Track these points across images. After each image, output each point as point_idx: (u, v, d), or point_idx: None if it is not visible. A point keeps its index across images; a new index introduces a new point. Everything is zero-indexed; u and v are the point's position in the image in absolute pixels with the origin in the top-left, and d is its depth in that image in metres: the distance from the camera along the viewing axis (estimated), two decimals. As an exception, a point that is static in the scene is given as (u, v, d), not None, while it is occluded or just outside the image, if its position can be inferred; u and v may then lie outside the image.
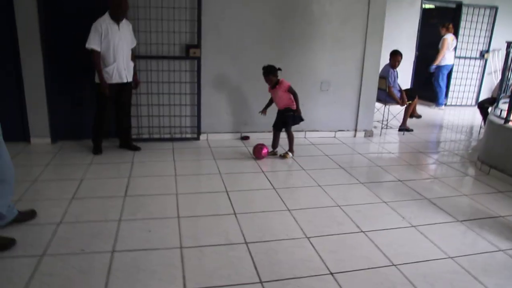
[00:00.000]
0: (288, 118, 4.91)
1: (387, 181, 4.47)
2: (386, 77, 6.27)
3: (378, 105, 6.57)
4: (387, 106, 6.59)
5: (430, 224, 3.44)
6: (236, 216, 3.45)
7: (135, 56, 5.05)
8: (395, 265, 2.80)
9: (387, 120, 6.70)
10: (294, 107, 4.85)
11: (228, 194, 3.91)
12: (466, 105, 9.47)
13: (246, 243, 3.03)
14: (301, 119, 4.99)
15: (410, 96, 6.65)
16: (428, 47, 9.31)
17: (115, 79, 4.74)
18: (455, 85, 9.32)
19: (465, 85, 9.40)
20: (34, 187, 3.94)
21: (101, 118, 4.92)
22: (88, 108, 5.24)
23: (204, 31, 5.31)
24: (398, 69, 6.48)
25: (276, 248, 2.97)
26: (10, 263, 2.67)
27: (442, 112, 8.81)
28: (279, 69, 4.78)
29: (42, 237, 2.99)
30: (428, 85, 9.49)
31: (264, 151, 4.85)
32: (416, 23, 8.98)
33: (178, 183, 4.16)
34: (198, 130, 5.66)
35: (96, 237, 3.04)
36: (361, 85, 5.96)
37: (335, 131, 6.13)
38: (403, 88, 6.91)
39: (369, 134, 6.22)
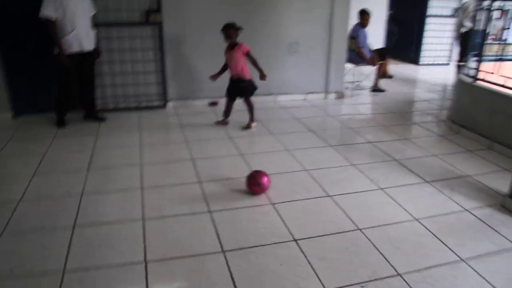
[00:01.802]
0: (244, 89, 4.65)
1: (357, 143, 4.43)
2: (355, 37, 6.14)
3: (350, 66, 6.48)
4: (358, 67, 6.49)
5: (398, 186, 3.41)
6: (201, 185, 3.37)
7: (95, 24, 4.77)
8: (360, 229, 2.76)
9: (358, 81, 6.63)
10: (247, 76, 4.60)
11: (194, 162, 3.81)
12: (439, 64, 9.43)
13: (210, 212, 2.96)
14: (255, 88, 4.71)
15: (381, 56, 6.56)
16: (400, 4, 9.22)
17: (75, 48, 4.48)
18: (428, 44, 9.25)
19: (437, 43, 9.33)
20: (-8, 162, 3.77)
21: (64, 91, 4.68)
22: (51, 80, 4.97)
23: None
24: (370, 28, 6.36)
25: (240, 216, 2.91)
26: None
27: (416, 71, 8.78)
28: (240, 27, 4.51)
29: (1, 216, 2.87)
30: (402, 44, 9.48)
31: (265, 179, 3.22)
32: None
33: (143, 153, 4.04)
34: (164, 98, 5.49)
35: (58, 212, 2.94)
36: (330, 45, 5.82)
37: (306, 94, 6.03)
38: (375, 47, 6.82)
39: (340, 95, 6.14)
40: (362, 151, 4.19)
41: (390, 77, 7.39)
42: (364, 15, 6.20)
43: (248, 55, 4.52)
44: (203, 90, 5.59)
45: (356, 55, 6.26)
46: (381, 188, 3.36)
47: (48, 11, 4.23)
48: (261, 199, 3.14)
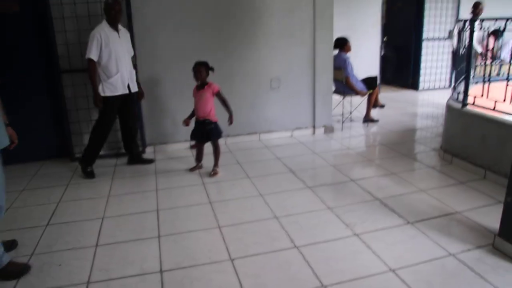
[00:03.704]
0: (211, 132, 4.38)
1: (337, 183, 4.07)
2: (342, 67, 5.89)
3: (338, 98, 6.22)
4: (347, 98, 6.20)
5: (376, 230, 3.06)
6: (159, 240, 3.09)
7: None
8: (324, 287, 2.43)
9: (350, 112, 6.34)
10: (214, 118, 4.36)
11: (158, 213, 3.54)
12: (439, 88, 9.08)
13: (161, 271, 2.67)
14: (221, 131, 4.45)
15: (370, 85, 6.27)
16: (395, 30, 9.09)
17: (120, 90, 4.40)
18: (425, 68, 8.96)
19: (436, 67, 9.03)
20: None
21: (102, 136, 4.55)
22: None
23: (137, 39, 4.91)
24: (364, 55, 6.12)
25: (193, 275, 2.61)
26: None
27: (415, 97, 8.47)
28: (212, 68, 4.33)
29: None
30: (400, 69, 9.32)
31: None
32: (379, 8, 8.62)
33: (109, 205, 3.79)
34: (142, 143, 5.27)
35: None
36: (314, 78, 5.55)
37: (292, 130, 5.74)
38: (367, 75, 6.56)
39: (329, 129, 5.83)
40: (342, 191, 3.85)
41: (382, 106, 7.08)
42: (346, 42, 6.00)
43: (218, 94, 4.30)
44: (180, 133, 5.36)
45: (344, 85, 5.99)
46: (356, 234, 3.02)
47: (92, 54, 4.17)
48: (221, 255, 2.83)
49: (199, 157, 4.60)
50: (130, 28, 4.84)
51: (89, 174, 4.55)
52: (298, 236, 3.03)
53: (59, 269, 2.77)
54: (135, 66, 4.70)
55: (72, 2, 4.71)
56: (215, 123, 4.36)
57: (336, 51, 6.04)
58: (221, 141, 4.63)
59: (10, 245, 3.05)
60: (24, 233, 3.29)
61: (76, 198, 4.03)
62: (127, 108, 4.61)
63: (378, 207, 3.45)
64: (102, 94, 4.34)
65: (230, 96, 4.86)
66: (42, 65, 4.93)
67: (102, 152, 5.14)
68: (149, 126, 5.27)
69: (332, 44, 5.59)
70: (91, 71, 4.26)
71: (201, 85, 4.30)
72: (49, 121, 5.13)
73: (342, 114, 6.21)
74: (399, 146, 5.13)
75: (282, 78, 5.49)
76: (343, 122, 6.16)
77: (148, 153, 5.30)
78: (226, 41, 5.23)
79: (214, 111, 4.34)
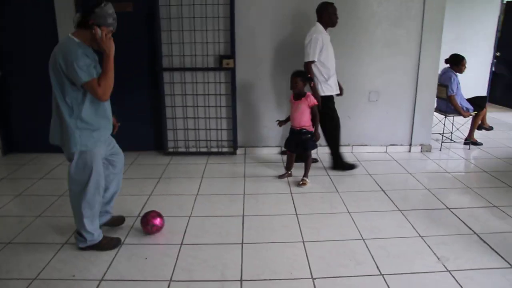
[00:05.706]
0: (308, 143, 4.34)
1: (432, 209, 3.80)
2: (447, 85, 5.51)
3: (439, 116, 5.86)
4: (450, 117, 5.80)
5: (471, 270, 2.80)
6: (242, 247, 3.12)
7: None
8: (408, 325, 2.29)
9: (451, 132, 5.92)
10: (311, 128, 4.32)
11: (243, 219, 3.58)
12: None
13: (241, 280, 2.69)
14: (316, 144, 4.43)
15: (478, 106, 5.82)
16: (511, 47, 8.29)
17: (335, 90, 4.68)
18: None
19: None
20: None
21: (336, 131, 4.76)
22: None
23: (238, 41, 5.03)
24: (471, 72, 5.70)
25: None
26: None
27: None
28: (311, 79, 4.28)
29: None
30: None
31: (156, 221, 3.30)
32: (495, 20, 7.98)
33: (196, 203, 3.93)
34: (234, 144, 5.38)
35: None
36: (416, 93, 5.26)
37: (387, 146, 5.50)
38: (474, 95, 6.12)
39: (426, 148, 5.50)
40: (436, 219, 3.58)
41: (489, 128, 6.53)
42: (462, 61, 5.60)
43: (313, 108, 4.26)
44: (272, 138, 5.38)
45: (447, 104, 5.61)
46: (449, 271, 2.79)
47: (316, 56, 4.39)
48: (303, 272, 2.79)
49: (289, 166, 4.58)
50: (232, 31, 4.96)
51: (350, 166, 4.81)
52: (384, 263, 2.88)
53: (145, 263, 2.91)
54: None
55: (179, 4, 4.95)
56: (312, 133, 4.32)
57: (445, 67, 5.70)
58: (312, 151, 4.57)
59: (117, 220, 3.37)
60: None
61: (166, 193, 4.22)
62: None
63: (475, 243, 3.16)
64: (322, 94, 4.51)
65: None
66: (147, 62, 5.25)
67: (194, 150, 5.37)
68: (242, 128, 5.37)
69: (439, 59, 5.24)
70: (312, 72, 4.45)
71: (298, 96, 4.27)
72: (148, 115, 5.45)
73: (443, 134, 5.82)
74: (504, 176, 4.67)
75: (381, 91, 5.27)
76: (442, 142, 5.77)
77: (238, 155, 5.40)
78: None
79: (310, 122, 4.30)
